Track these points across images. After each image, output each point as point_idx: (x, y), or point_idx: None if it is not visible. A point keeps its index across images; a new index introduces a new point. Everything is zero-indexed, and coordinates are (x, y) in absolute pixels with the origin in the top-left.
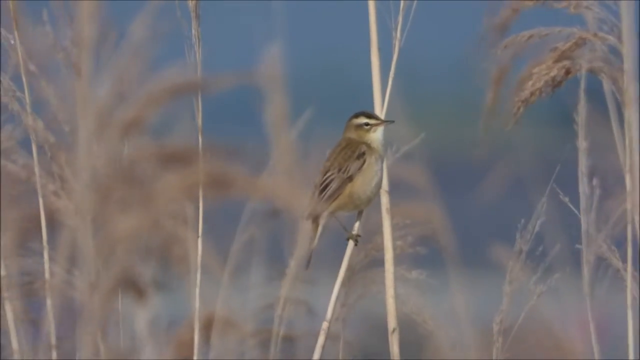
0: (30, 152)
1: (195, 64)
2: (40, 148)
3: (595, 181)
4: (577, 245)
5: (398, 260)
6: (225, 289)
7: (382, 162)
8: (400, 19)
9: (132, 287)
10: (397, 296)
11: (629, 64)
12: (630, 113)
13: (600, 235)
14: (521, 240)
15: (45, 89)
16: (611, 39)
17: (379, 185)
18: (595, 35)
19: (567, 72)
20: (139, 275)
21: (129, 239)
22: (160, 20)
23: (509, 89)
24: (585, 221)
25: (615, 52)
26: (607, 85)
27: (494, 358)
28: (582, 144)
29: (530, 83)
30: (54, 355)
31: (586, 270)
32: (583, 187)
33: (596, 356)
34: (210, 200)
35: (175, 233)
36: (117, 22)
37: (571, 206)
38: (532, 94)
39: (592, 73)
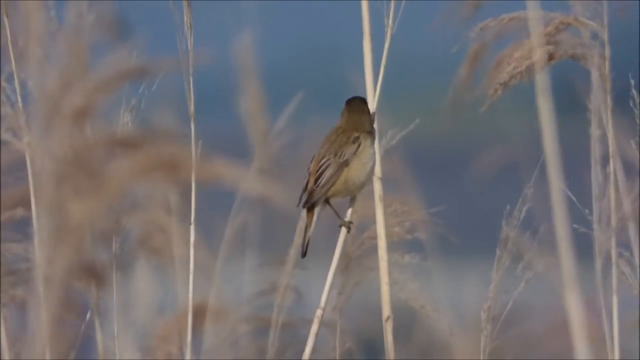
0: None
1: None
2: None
3: (609, 169)
4: (575, 225)
5: (394, 246)
6: (215, 277)
7: (374, 146)
8: (392, 5)
9: (89, 273)
10: (394, 283)
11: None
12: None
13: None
14: (507, 227)
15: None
16: (593, 24)
17: (372, 170)
18: (576, 20)
19: (551, 57)
20: (96, 261)
21: (83, 224)
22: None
23: (487, 67)
24: (598, 209)
25: (598, 39)
26: (594, 73)
27: (482, 345)
28: (595, 131)
29: (511, 66)
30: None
31: (598, 261)
32: (596, 175)
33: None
34: (162, 184)
35: (157, 221)
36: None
37: (569, 193)
38: (512, 77)
39: (574, 59)
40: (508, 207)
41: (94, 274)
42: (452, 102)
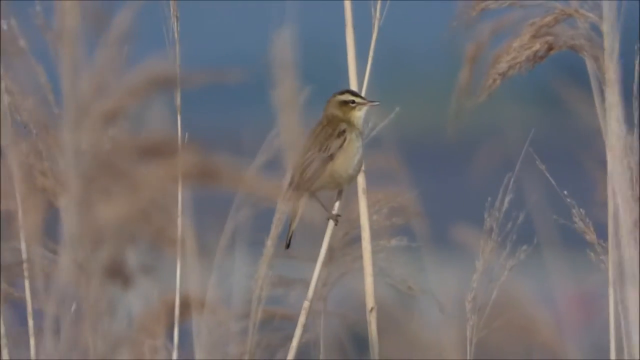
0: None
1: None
2: (24, 127)
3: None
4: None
5: (376, 234)
6: (208, 271)
7: (362, 140)
8: None
9: (118, 273)
10: (379, 271)
11: (609, 43)
12: (611, 93)
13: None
14: (490, 218)
15: (33, 67)
16: (592, 16)
17: (360, 163)
18: (576, 11)
19: (550, 48)
20: (125, 262)
21: (114, 226)
22: (144, 16)
23: (485, 66)
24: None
25: (597, 30)
26: (590, 64)
27: (468, 335)
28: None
29: (510, 57)
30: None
31: (611, 252)
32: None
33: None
34: (195, 189)
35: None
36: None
37: (553, 182)
38: (510, 67)
39: (573, 50)
40: (489, 198)
41: (121, 274)
42: (456, 109)
